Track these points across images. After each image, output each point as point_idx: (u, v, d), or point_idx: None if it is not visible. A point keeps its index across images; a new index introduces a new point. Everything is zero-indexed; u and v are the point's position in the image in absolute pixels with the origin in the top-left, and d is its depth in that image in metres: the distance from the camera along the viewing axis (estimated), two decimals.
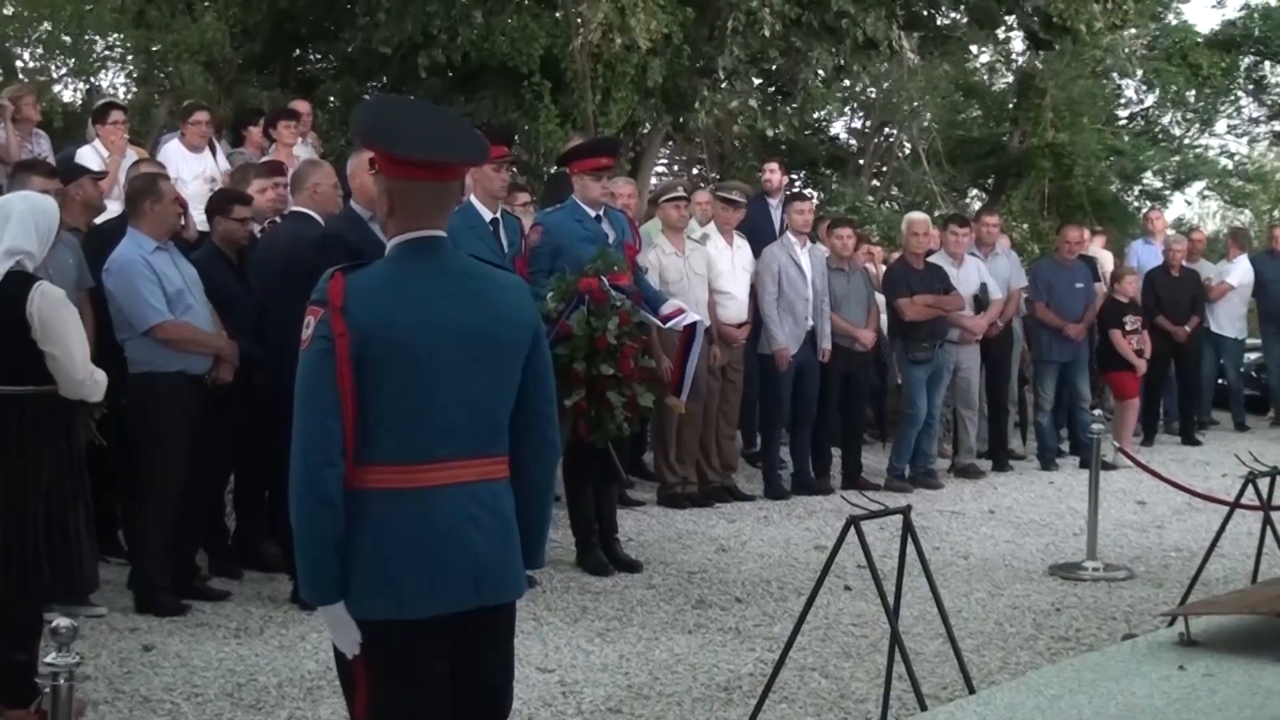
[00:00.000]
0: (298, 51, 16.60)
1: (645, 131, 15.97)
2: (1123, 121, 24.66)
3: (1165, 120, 25.32)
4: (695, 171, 22.66)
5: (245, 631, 6.64)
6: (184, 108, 11.07)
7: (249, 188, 8.19)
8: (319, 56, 16.97)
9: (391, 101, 5.36)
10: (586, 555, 8.08)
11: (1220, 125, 25.72)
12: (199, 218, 8.29)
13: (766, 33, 14.33)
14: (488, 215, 7.61)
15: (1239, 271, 14.75)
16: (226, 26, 14.68)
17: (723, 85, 15.23)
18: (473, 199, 7.61)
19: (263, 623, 6.78)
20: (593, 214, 8.24)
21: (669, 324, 8.39)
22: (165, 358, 6.87)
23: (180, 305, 6.90)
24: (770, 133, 17.90)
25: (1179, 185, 25.02)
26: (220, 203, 7.72)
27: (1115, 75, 20.28)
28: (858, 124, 24.43)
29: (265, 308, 7.29)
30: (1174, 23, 23.34)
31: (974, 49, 22.14)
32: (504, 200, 8.04)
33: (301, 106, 11.38)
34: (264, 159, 9.77)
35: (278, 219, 8.33)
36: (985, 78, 23.79)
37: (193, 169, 9.82)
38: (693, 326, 8.45)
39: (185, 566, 7.16)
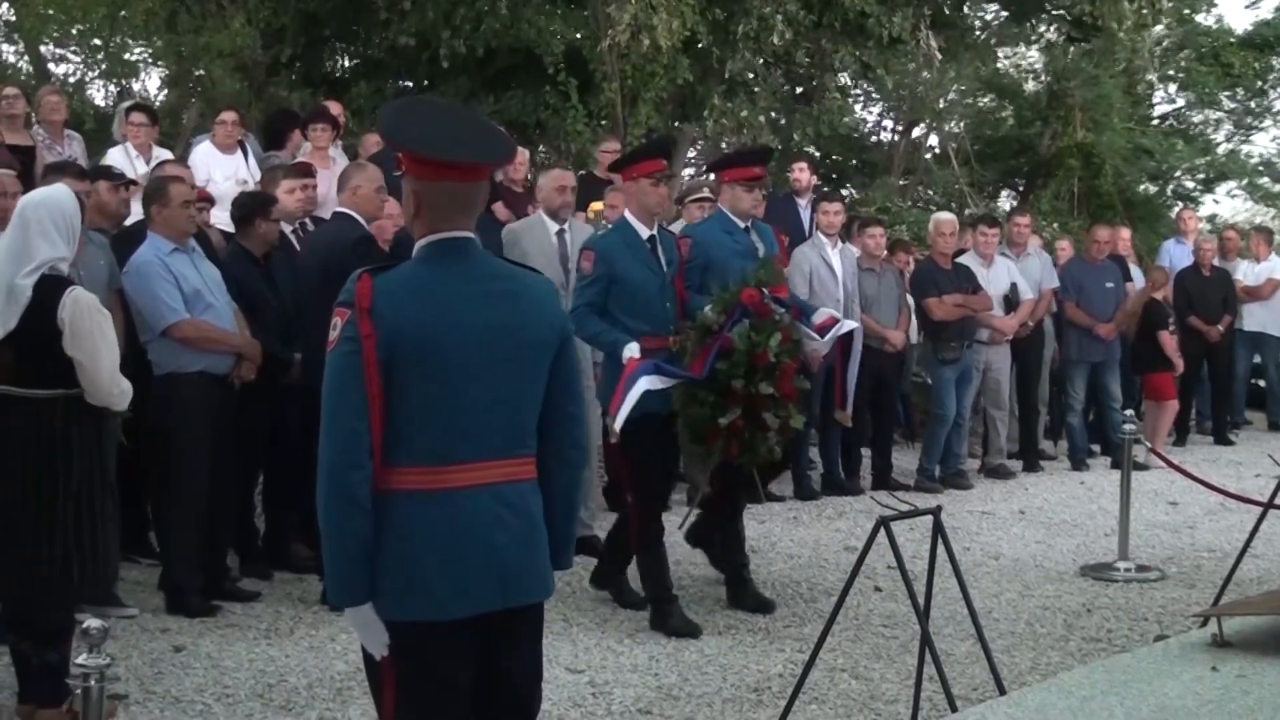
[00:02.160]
0: (327, 52, 16.65)
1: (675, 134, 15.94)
2: (1155, 121, 24.50)
3: (1197, 120, 25.13)
4: None
5: (275, 632, 6.66)
6: (216, 110, 11.13)
7: (277, 189, 8.22)
8: (348, 58, 17.02)
9: (416, 102, 5.32)
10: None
11: (1252, 124, 25.51)
12: (224, 218, 8.32)
13: (776, 40, 14.28)
14: (645, 232, 7.10)
15: None
16: (256, 29, 14.71)
17: (737, 92, 15.19)
18: (628, 215, 7.21)
19: (293, 623, 6.80)
20: (742, 225, 7.71)
21: (826, 336, 7.85)
22: (187, 358, 6.87)
23: (199, 305, 6.90)
24: (777, 145, 17.81)
25: (1209, 185, 24.83)
26: (260, 205, 7.74)
27: (1142, 75, 20.11)
28: (887, 123, 24.33)
29: (305, 307, 7.28)
30: (1209, 23, 23.19)
31: (1004, 50, 22.07)
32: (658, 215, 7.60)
33: (334, 108, 11.39)
34: (295, 160, 9.80)
35: (308, 220, 8.37)
36: (1024, 76, 23.62)
37: (224, 170, 9.88)
38: (849, 335, 8.12)
39: (216, 567, 7.18)
